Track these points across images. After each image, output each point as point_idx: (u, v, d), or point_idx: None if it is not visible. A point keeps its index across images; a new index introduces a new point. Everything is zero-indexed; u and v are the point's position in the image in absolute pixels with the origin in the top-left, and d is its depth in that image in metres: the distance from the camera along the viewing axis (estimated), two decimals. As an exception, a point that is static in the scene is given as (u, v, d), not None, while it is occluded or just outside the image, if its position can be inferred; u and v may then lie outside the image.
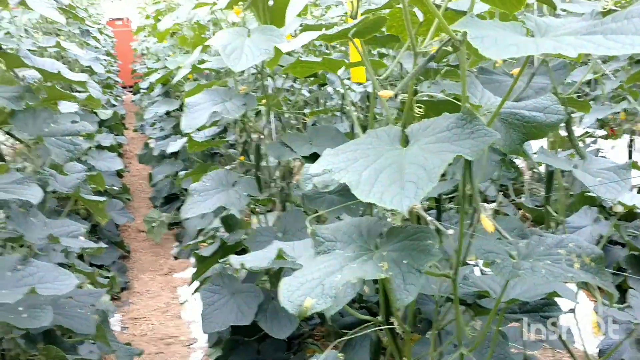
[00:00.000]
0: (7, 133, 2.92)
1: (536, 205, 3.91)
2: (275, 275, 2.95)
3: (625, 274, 2.85)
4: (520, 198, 4.05)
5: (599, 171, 1.84)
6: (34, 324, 1.60)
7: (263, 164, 2.86)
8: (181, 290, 4.64)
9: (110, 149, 5.06)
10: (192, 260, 5.16)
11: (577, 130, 4.24)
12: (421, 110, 1.20)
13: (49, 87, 2.40)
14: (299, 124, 3.61)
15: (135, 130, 10.00)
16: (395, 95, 1.28)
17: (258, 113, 3.34)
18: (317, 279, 1.00)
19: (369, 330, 1.45)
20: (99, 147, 4.88)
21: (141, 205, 6.83)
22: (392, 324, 1.41)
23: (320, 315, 2.74)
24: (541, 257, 1.13)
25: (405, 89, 1.26)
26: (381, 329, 1.45)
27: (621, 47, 0.77)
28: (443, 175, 2.15)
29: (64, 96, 2.50)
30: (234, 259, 1.66)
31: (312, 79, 3.31)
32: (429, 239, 1.02)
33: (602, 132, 4.59)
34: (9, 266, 1.48)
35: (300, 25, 2.75)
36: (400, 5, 1.30)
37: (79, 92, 2.89)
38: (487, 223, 1.05)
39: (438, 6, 1.43)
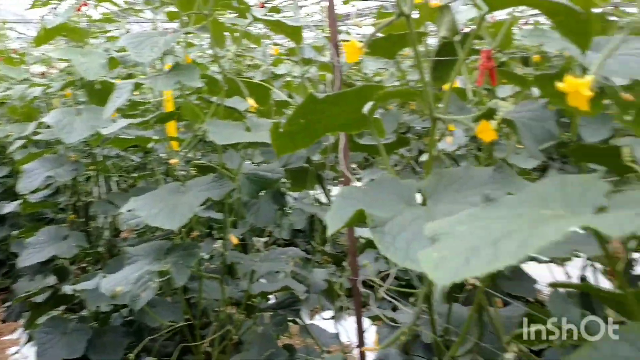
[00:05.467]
0: None
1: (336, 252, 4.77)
2: (103, 320, 3.40)
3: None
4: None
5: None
6: None
7: (94, 222, 3.34)
8: (11, 350, 4.75)
9: None
10: (22, 321, 5.25)
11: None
12: (196, 170, 1.88)
13: None
14: (128, 187, 4.11)
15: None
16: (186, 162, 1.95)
17: (89, 178, 3.80)
18: (125, 277, 1.61)
19: (177, 326, 2.06)
20: None
21: (-38, 273, 6.66)
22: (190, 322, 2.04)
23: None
24: (272, 259, 1.86)
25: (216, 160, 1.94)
26: (181, 325, 2.06)
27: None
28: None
29: None
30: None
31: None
32: (195, 249, 1.68)
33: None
34: None
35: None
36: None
37: None
38: (234, 238, 1.73)
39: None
